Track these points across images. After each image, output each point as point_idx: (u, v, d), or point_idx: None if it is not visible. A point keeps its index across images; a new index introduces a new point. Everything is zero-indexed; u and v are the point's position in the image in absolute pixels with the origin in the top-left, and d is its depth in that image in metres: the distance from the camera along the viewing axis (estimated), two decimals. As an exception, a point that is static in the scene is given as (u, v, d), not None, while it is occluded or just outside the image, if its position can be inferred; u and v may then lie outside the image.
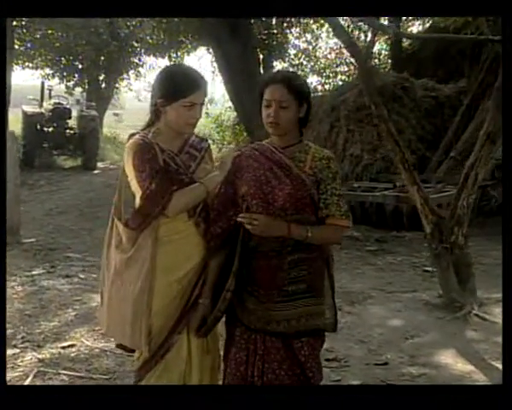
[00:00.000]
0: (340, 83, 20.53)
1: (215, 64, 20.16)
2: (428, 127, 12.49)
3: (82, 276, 7.47)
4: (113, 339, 3.81)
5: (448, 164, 11.58)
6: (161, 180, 3.03)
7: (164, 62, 24.13)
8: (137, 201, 3.13)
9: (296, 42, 20.50)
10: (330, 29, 21.38)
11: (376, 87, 6.91)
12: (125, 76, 25.27)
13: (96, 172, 18.37)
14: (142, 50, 23.29)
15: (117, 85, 25.59)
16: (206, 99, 3.35)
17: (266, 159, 3.09)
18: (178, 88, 3.08)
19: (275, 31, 17.95)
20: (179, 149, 3.22)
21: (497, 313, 6.10)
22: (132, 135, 3.23)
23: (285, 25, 18.46)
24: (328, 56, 21.73)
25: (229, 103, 18.75)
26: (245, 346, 3.07)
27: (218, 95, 25.58)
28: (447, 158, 11.75)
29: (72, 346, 5.30)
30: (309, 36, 20.82)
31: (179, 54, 20.93)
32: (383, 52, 20.14)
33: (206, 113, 23.43)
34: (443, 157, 11.84)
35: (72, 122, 19.02)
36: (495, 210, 10.32)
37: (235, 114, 19.01)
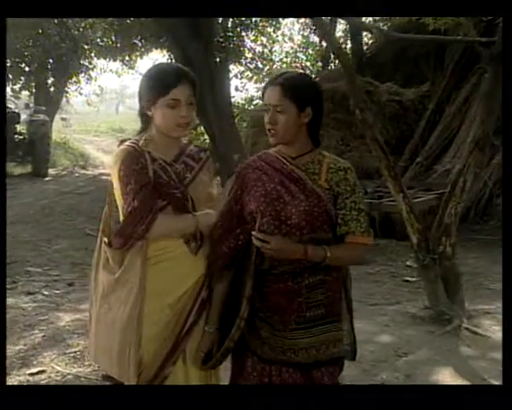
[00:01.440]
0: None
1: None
2: (393, 132, 12.34)
3: (45, 292, 6.96)
4: (100, 368, 3.46)
5: (415, 169, 11.47)
6: (146, 197, 2.72)
7: (115, 65, 23.65)
8: (121, 216, 2.80)
9: (252, 45, 20.20)
10: (286, 32, 21.68)
11: (361, 91, 6.63)
12: (74, 79, 24.51)
13: (47, 179, 17.72)
14: (93, 53, 22.61)
15: (66, 89, 24.81)
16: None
17: (276, 171, 2.76)
18: (157, 86, 2.80)
19: (231, 33, 17.66)
20: (175, 158, 2.91)
21: (487, 326, 5.93)
22: (122, 141, 2.91)
23: (241, 27, 18.19)
24: (284, 60, 21.54)
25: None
26: (258, 378, 2.76)
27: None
28: (413, 163, 11.64)
29: (41, 372, 4.86)
30: (264, 39, 20.56)
31: (132, 57, 20.39)
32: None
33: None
34: (408, 162, 11.72)
35: (20, 127, 18.31)
36: (465, 215, 10.18)
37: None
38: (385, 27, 13.89)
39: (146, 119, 2.90)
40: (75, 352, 5.23)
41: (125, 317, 2.76)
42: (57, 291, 6.96)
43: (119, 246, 2.79)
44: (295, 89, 2.68)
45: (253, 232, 2.63)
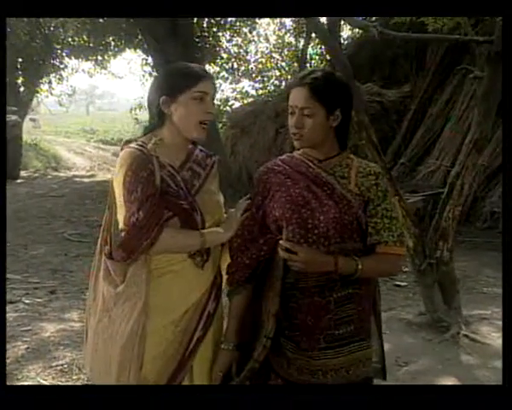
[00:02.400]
0: (273, 87, 20.32)
1: (145, 68, 19.56)
2: (374, 133, 12.19)
3: (27, 301, 6.62)
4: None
5: (398, 170, 11.37)
6: (152, 208, 2.47)
7: (87, 65, 23.29)
8: (121, 225, 2.54)
9: (228, 45, 20.01)
10: (262, 32, 21.53)
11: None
12: (45, 79, 24.08)
13: (18, 181, 17.34)
14: (64, 53, 22.19)
15: (37, 89, 24.35)
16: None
17: (301, 175, 2.55)
18: (185, 77, 2.58)
19: (206, 33, 17.48)
20: (181, 164, 2.66)
21: (485, 333, 5.77)
22: (128, 142, 2.64)
23: (216, 27, 18.04)
24: (259, 60, 21.34)
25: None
26: None
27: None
28: (396, 164, 11.54)
29: (27, 387, 4.59)
30: (240, 39, 20.39)
31: (105, 57, 20.07)
32: (316, 57, 19.79)
33: (136, 119, 22.68)
34: (392, 164, 11.61)
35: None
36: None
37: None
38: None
39: (161, 117, 2.64)
40: (62, 365, 4.96)
41: (127, 333, 2.55)
42: (39, 300, 6.65)
43: (120, 259, 2.56)
44: (324, 90, 2.47)
45: (281, 242, 2.42)
